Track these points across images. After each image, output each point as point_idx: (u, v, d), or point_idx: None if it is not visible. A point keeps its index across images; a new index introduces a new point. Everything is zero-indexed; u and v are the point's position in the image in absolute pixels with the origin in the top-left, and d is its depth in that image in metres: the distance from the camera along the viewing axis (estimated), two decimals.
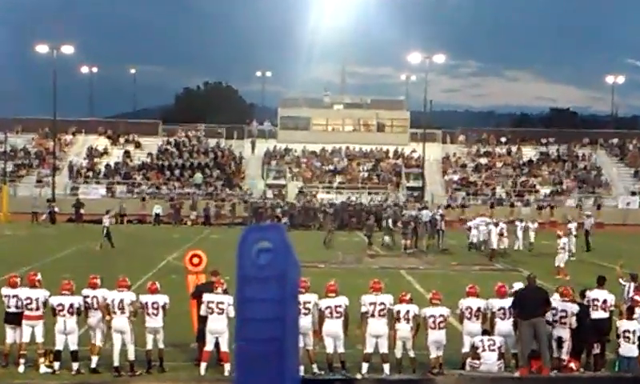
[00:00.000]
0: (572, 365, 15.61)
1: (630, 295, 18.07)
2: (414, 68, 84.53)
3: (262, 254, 0.82)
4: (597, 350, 16.82)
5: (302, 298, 16.32)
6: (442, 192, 67.63)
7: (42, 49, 69.94)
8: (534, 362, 15.75)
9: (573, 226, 40.96)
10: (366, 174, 70.69)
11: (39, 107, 73.30)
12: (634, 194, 68.24)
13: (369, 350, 16.62)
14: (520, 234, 41.96)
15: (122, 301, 16.78)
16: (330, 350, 16.65)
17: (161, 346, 16.91)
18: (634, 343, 15.93)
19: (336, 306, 16.71)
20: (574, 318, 16.47)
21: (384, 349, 16.61)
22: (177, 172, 69.58)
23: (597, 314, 17.04)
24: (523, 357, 16.31)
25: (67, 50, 71.09)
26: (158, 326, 16.79)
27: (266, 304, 0.81)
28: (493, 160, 73.89)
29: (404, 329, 16.66)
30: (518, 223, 42.61)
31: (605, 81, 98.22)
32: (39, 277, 17.67)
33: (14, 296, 16.88)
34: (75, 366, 16.59)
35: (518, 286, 17.74)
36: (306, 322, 16.20)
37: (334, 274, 23.57)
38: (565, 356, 16.38)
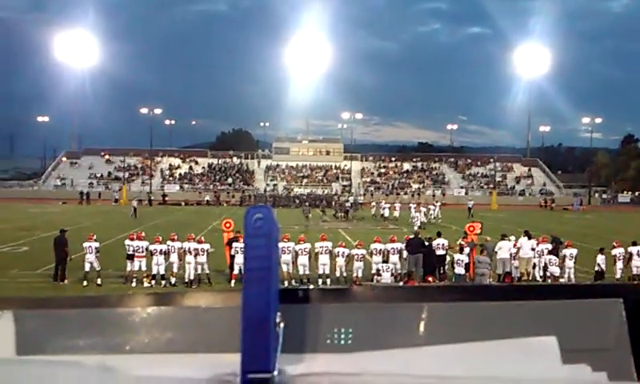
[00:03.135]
0: (430, 279, 15.72)
1: (459, 242, 18.28)
2: (345, 120, 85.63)
3: (257, 221, 0.79)
4: (442, 271, 17.00)
5: (285, 244, 16.31)
6: (361, 188, 67.73)
7: (144, 110, 69.15)
8: (411, 279, 15.88)
9: (431, 207, 40.48)
10: (320, 178, 70.64)
11: (142, 142, 72.70)
12: (462, 188, 69.19)
13: (320, 272, 16.58)
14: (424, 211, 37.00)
15: (190, 247, 16.65)
16: (301, 272, 16.58)
17: (207, 271, 16.65)
18: (461, 267, 16.11)
19: (304, 248, 16.65)
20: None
21: (327, 272, 16.61)
22: (218, 177, 69.17)
23: (439, 252, 17.25)
24: (407, 275, 16.43)
25: (157, 110, 71.10)
26: (204, 261, 16.55)
27: (261, 248, 0.79)
28: (387, 170, 74.20)
29: (339, 261, 16.66)
30: (431, 206, 39.19)
31: (446, 127, 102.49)
32: (143, 234, 17.55)
33: (130, 245, 16.70)
34: (163, 282, 16.41)
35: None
36: (287, 258, 16.16)
37: (303, 231, 23.50)
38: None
